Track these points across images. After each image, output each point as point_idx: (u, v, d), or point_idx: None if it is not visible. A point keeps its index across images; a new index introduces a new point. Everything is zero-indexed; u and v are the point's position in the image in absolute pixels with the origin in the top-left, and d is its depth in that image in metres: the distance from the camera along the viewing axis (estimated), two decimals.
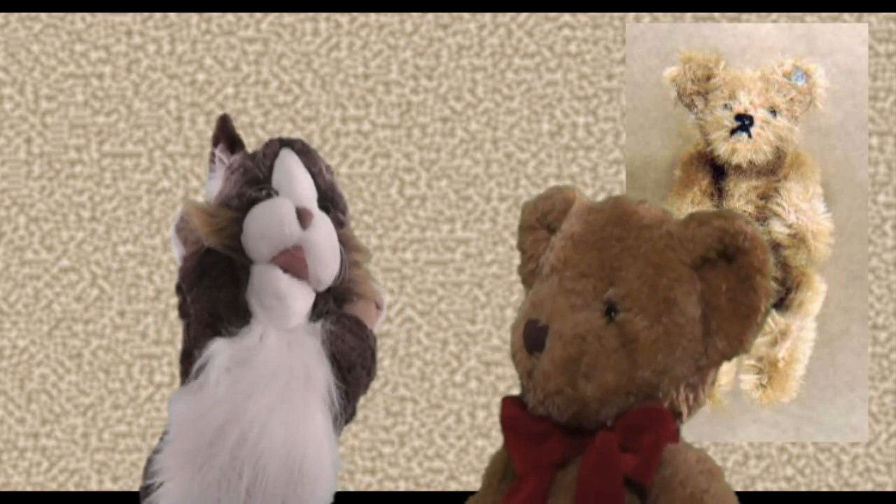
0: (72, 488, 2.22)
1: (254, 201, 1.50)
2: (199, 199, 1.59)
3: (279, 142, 1.57)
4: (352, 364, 1.51)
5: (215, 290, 1.47)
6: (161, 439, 1.52)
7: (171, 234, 1.53)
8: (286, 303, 1.49)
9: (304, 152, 1.56)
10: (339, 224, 1.55)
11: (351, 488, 2.21)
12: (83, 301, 2.22)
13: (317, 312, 1.52)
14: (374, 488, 2.21)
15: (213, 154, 1.58)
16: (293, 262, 1.49)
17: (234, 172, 1.53)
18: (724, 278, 1.24)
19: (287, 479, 1.43)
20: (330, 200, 1.55)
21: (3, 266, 2.23)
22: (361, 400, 1.56)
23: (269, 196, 1.51)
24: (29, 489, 2.21)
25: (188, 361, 1.49)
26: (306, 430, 1.45)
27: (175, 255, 1.54)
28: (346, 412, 1.52)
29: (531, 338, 1.27)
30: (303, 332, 1.50)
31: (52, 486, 2.21)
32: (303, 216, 1.49)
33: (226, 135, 1.59)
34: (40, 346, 2.22)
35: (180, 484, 1.44)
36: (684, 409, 1.27)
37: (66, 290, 2.23)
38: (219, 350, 1.45)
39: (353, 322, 1.54)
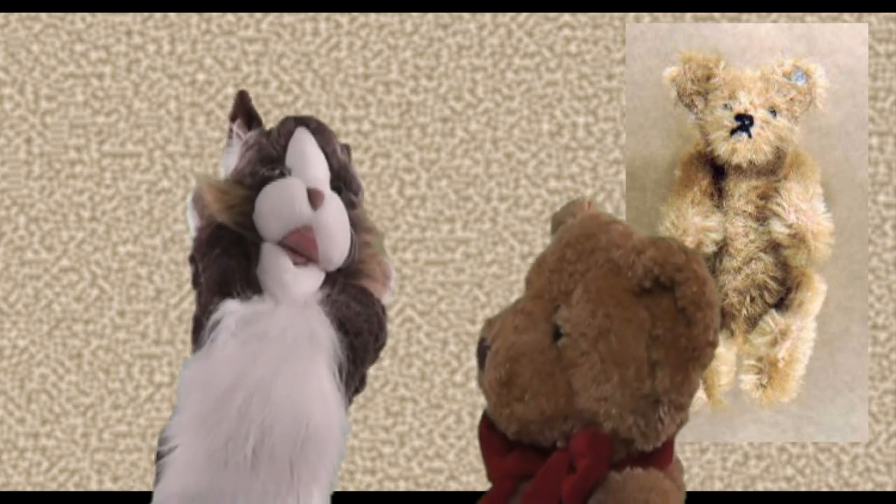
0: (72, 488, 2.22)
1: (266, 180, 1.50)
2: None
3: (294, 120, 1.56)
4: (358, 330, 1.51)
5: (226, 258, 1.47)
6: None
7: (188, 205, 1.53)
8: (290, 291, 1.49)
9: (319, 131, 1.56)
10: (351, 205, 1.55)
11: (351, 488, 2.21)
12: (83, 301, 2.22)
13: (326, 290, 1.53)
14: (374, 488, 2.21)
15: (230, 129, 1.59)
16: (303, 241, 1.49)
17: (248, 149, 1.54)
18: (664, 309, 1.21)
19: (294, 440, 1.43)
20: (343, 181, 1.55)
21: (3, 266, 2.23)
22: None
23: (281, 175, 1.51)
24: (29, 489, 2.21)
25: (198, 329, 1.49)
26: (312, 390, 1.45)
27: (190, 226, 1.54)
28: (354, 378, 1.52)
29: (478, 355, 1.30)
30: (311, 300, 1.50)
31: (52, 486, 2.21)
32: (313, 197, 1.49)
33: (244, 110, 1.59)
34: (40, 346, 2.22)
35: (188, 448, 1.44)
36: (637, 436, 1.23)
37: (66, 290, 2.22)
38: (228, 311, 1.45)
39: (358, 290, 1.54)
